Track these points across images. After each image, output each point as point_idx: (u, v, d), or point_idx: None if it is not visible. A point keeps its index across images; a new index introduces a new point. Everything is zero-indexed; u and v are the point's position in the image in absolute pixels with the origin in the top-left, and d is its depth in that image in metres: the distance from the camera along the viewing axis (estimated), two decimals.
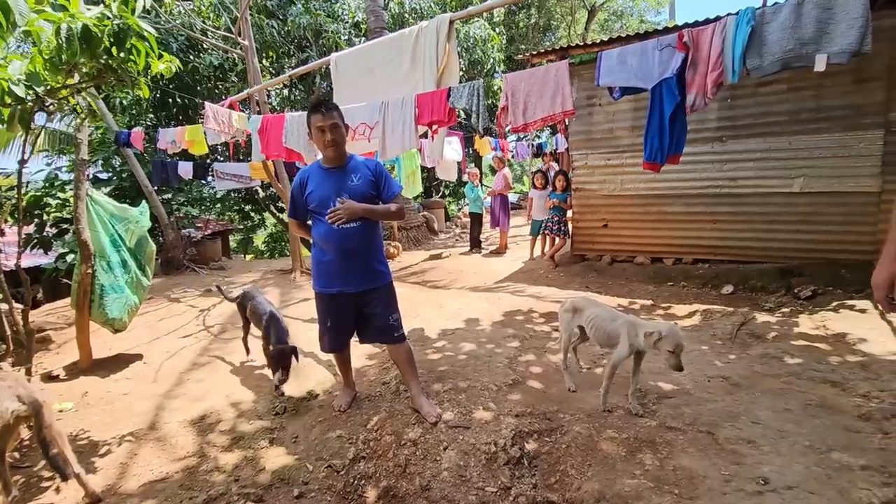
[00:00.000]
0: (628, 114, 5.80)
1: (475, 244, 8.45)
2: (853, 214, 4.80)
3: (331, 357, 3.17)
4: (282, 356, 3.02)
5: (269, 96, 8.89)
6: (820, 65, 2.41)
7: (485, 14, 13.67)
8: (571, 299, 2.96)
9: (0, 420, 2.04)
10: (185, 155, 7.53)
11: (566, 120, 6.21)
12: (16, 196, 3.80)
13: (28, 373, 3.04)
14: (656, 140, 3.05)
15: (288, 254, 12.00)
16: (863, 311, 3.92)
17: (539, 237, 7.11)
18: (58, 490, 2.24)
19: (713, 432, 2.31)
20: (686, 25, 4.31)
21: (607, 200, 6.18)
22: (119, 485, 2.28)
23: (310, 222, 2.64)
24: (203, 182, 10.63)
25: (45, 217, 6.99)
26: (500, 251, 8.05)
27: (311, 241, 2.64)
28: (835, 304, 4.19)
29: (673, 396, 2.71)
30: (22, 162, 2.88)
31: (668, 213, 5.79)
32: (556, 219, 6.68)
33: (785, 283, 4.83)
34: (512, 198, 10.67)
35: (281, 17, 11.27)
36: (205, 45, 10.07)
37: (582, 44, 5.89)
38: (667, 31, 5.01)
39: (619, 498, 1.96)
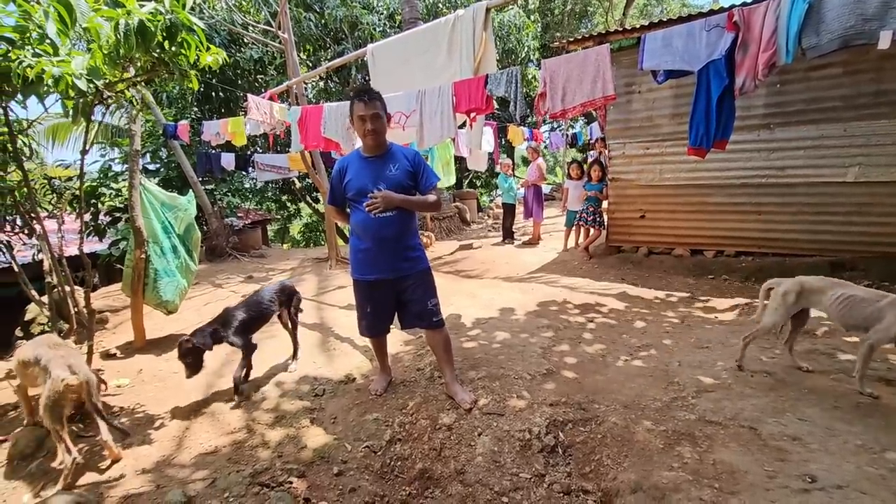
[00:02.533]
0: (669, 101, 5.61)
1: (508, 235, 8.41)
2: None
3: (367, 343, 3.25)
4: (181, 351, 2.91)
5: (305, 88, 9.06)
6: (884, 42, 2.26)
7: (520, 1, 13.44)
8: (799, 279, 2.79)
9: (52, 387, 2.22)
10: (227, 146, 7.82)
11: (606, 107, 6.08)
12: (75, 186, 4.05)
13: (90, 350, 3.25)
14: (702, 125, 2.95)
15: (323, 243, 12.30)
16: None
17: (573, 228, 7.01)
18: (118, 459, 2.40)
19: (756, 428, 2.24)
20: (733, 7, 4.13)
21: (645, 190, 6.01)
22: (174, 456, 2.43)
23: (348, 210, 2.70)
24: (244, 173, 11.01)
25: (99, 206, 7.40)
26: (532, 242, 7.98)
27: (349, 229, 2.70)
28: None
29: (713, 391, 2.65)
30: (84, 152, 3.06)
31: (709, 203, 5.59)
32: (591, 209, 6.57)
33: (836, 278, 4.59)
34: (545, 189, 10.52)
35: (318, 9, 11.44)
36: (245, 40, 10.35)
37: (620, 29, 5.71)
38: (712, 13, 4.80)
39: (656, 489, 1.94)
